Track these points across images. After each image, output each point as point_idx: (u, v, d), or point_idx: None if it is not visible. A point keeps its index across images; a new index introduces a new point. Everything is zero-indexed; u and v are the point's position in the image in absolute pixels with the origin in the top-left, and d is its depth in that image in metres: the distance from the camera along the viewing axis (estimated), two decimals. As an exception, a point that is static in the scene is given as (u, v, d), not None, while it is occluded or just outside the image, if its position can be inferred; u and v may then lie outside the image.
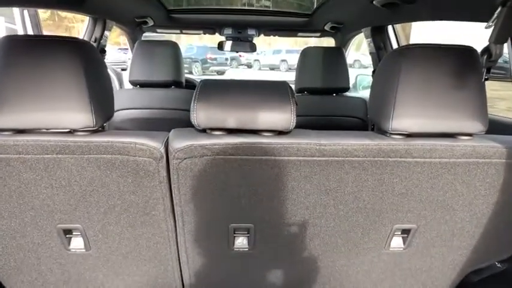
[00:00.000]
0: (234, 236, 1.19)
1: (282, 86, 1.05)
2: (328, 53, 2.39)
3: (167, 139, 1.02)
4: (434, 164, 1.04)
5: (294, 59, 20.56)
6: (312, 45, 2.45)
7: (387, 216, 1.14)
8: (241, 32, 2.96)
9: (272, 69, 19.90)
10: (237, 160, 1.01)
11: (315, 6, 2.57)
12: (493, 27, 0.84)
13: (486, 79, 0.93)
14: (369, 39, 2.46)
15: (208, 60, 17.68)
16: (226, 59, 18.70)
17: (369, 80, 3.08)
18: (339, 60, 2.38)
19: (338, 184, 1.06)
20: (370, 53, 2.50)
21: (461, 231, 1.20)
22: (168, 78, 2.32)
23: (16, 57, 0.94)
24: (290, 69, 20.12)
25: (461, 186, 1.09)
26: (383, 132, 1.06)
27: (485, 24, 0.89)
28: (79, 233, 1.14)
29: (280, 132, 1.03)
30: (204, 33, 2.98)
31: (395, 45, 2.44)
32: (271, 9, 2.81)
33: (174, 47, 2.37)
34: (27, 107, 0.94)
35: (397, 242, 1.24)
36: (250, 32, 2.96)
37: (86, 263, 1.22)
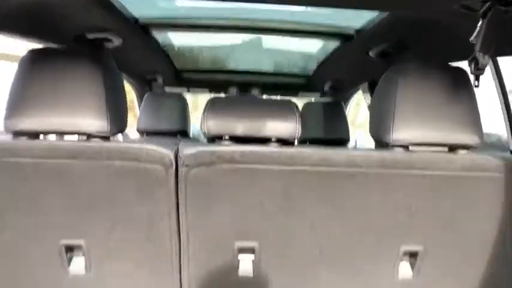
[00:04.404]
0: (238, 260, 1.16)
1: (287, 101, 1.12)
2: (328, 107, 2.53)
3: (178, 148, 1.05)
4: (436, 177, 1.06)
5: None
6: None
7: (393, 234, 1.13)
8: (246, 92, 3.13)
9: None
10: (244, 169, 1.03)
11: (315, 67, 2.77)
12: (477, 39, 0.93)
13: (477, 86, 1.00)
14: (366, 94, 2.60)
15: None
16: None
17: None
18: (339, 114, 2.50)
19: (342, 197, 1.07)
20: (368, 107, 2.63)
21: (470, 255, 1.18)
22: (174, 128, 2.43)
23: (37, 67, 1.03)
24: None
25: (464, 203, 1.10)
26: (384, 145, 1.10)
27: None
28: (81, 252, 1.12)
29: (286, 143, 1.07)
30: (210, 92, 3.16)
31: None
32: (273, 70, 3.01)
33: (181, 99, 2.51)
34: (43, 111, 1.00)
35: (405, 268, 1.20)
36: (254, 92, 3.14)
37: (85, 286, 1.17)
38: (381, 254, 1.17)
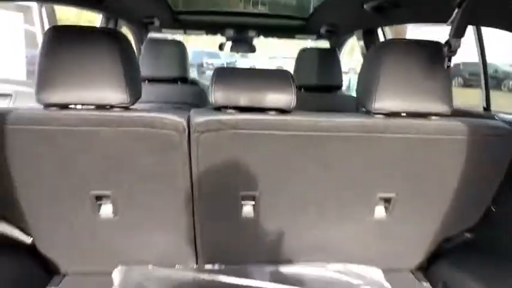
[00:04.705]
0: (242, 205, 1.38)
1: (284, 72, 1.26)
2: (323, 54, 2.61)
3: (189, 116, 1.21)
4: (410, 140, 1.24)
5: (289, 65, 20.89)
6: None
7: (371, 185, 1.35)
8: (242, 34, 3.16)
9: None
10: (246, 134, 1.20)
11: (311, 10, 2.80)
12: (451, 25, 1.06)
13: (448, 66, 1.14)
14: (360, 42, 2.68)
15: (204, 65, 17.90)
16: (222, 64, 18.98)
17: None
18: (333, 61, 2.60)
19: (329, 156, 1.27)
20: (362, 54, 2.72)
21: (434, 202, 1.41)
22: (175, 75, 2.52)
23: (61, 44, 1.14)
24: (274, 57, 20.41)
25: (432, 160, 1.30)
26: (368, 112, 1.27)
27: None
28: (109, 200, 1.33)
29: (283, 111, 1.23)
30: (207, 34, 3.19)
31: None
32: (269, 12, 3.02)
33: (180, 45, 2.57)
34: (71, 86, 1.14)
35: (380, 211, 1.44)
36: (250, 33, 3.17)
37: (113, 228, 1.40)
38: (361, 200, 1.39)
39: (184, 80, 2.58)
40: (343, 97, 2.71)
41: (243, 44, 3.32)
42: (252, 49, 3.37)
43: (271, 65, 19.93)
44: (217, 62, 18.25)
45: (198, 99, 2.49)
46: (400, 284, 1.51)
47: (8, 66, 2.19)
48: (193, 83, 3.12)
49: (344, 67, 3.00)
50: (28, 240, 1.39)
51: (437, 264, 1.56)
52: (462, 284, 1.41)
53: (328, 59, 2.60)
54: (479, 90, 1.71)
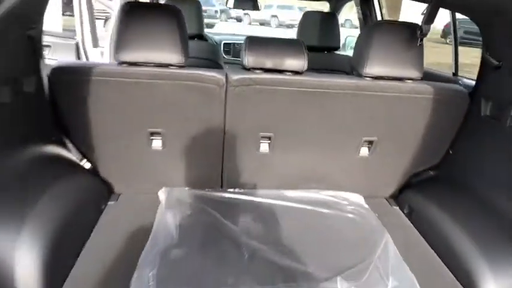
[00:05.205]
0: (260, 143, 1.82)
1: (299, 42, 1.65)
2: (324, 17, 2.95)
3: (226, 73, 1.60)
4: (390, 97, 1.66)
5: (285, 16, 20.66)
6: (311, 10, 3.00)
7: (358, 130, 1.79)
8: None
9: (262, 24, 19.97)
10: (268, 89, 1.61)
11: None
12: (424, 15, 1.45)
13: (420, 45, 1.55)
14: (358, 7, 3.01)
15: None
16: (216, 12, 18.67)
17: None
18: (332, 24, 2.94)
19: (329, 107, 1.69)
20: (358, 18, 3.06)
21: (405, 145, 1.86)
22: (193, 32, 2.85)
23: (133, 16, 1.50)
24: (281, 25, 20.26)
25: (406, 113, 1.73)
26: (359, 75, 1.67)
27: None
28: (160, 136, 1.75)
29: (296, 73, 1.63)
30: None
31: (378, 13, 3.00)
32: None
33: (196, 3, 2.87)
34: (140, 48, 1.51)
35: (364, 151, 1.89)
36: None
37: (160, 158, 1.83)
38: (350, 142, 1.84)
39: (200, 37, 2.91)
40: (339, 57, 3.09)
41: (247, 1, 3.60)
42: (255, 7, 3.65)
43: (267, 15, 19.75)
44: (211, 10, 18.03)
45: (214, 55, 2.84)
46: (376, 206, 1.99)
47: (46, 18, 2.50)
48: (205, 38, 3.43)
49: (340, 19, 3.32)
50: (90, 165, 1.82)
51: (406, 193, 2.05)
52: (423, 207, 1.89)
53: (329, 22, 2.94)
54: (471, 49, 2.09)
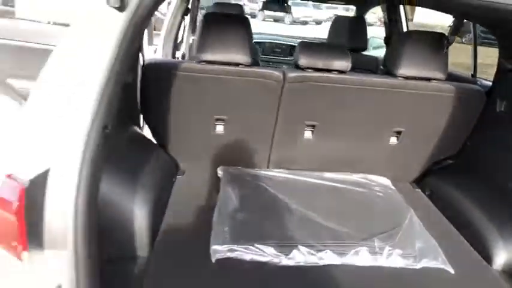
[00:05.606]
0: (305, 130, 2.15)
1: (343, 46, 1.98)
2: (353, 21, 3.28)
3: (284, 71, 1.93)
4: (418, 94, 1.99)
5: (299, 12, 20.84)
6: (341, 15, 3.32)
7: (389, 122, 2.11)
8: None
9: (276, 21, 20.15)
10: (317, 85, 1.94)
11: None
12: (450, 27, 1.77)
13: (446, 52, 1.87)
14: (384, 12, 3.33)
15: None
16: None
17: (379, 42, 3.96)
18: (361, 27, 3.27)
19: (366, 103, 2.02)
20: (384, 23, 3.38)
21: (428, 136, 2.18)
22: None
23: (212, 24, 1.84)
24: (295, 22, 20.47)
25: (431, 108, 2.05)
26: (393, 75, 1.99)
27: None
28: (223, 122, 2.09)
29: (341, 72, 1.96)
30: None
31: (403, 18, 3.31)
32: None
33: (239, 7, 3.21)
34: (216, 50, 1.85)
35: (393, 140, 2.22)
36: None
37: (220, 141, 2.18)
38: (381, 131, 2.17)
39: None
40: (365, 57, 3.41)
41: (276, 4, 3.96)
42: (283, 9, 3.99)
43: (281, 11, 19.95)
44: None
45: (254, 54, 3.18)
46: (401, 188, 2.32)
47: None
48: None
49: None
50: (164, 145, 2.17)
51: (427, 178, 2.37)
52: (443, 189, 2.21)
53: (358, 26, 3.26)
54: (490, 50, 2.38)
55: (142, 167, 1.66)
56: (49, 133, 0.97)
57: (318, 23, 19.83)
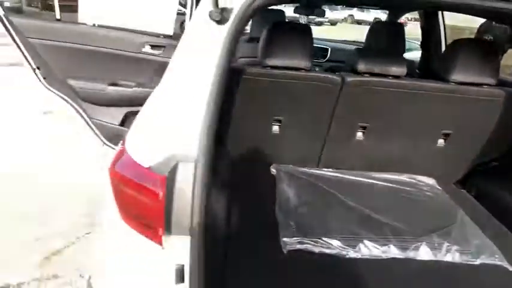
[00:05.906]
0: (357, 132, 2.26)
1: (399, 52, 2.08)
2: (392, 26, 3.36)
3: (342, 75, 2.04)
4: (468, 99, 2.07)
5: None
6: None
7: (439, 124, 2.21)
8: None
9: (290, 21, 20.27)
10: (373, 89, 2.04)
11: None
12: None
13: (501, 57, 1.96)
14: (422, 18, 3.42)
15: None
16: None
17: (412, 45, 4.04)
18: (399, 33, 3.35)
19: (419, 105, 2.11)
20: (421, 28, 3.47)
21: (475, 138, 2.27)
22: None
23: (272, 33, 1.97)
24: (310, 23, 20.49)
25: (479, 112, 2.14)
26: (446, 81, 2.08)
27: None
28: (279, 122, 2.21)
29: (396, 77, 2.05)
30: None
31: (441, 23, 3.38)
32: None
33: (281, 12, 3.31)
34: (280, 55, 1.96)
35: (441, 142, 2.31)
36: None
37: (275, 140, 2.29)
38: (430, 133, 2.26)
39: None
40: None
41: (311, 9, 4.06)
42: (318, 12, 4.08)
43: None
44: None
45: None
46: (447, 188, 2.41)
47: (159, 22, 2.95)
48: None
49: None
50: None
51: (472, 179, 2.46)
52: (489, 190, 2.30)
53: (396, 31, 3.34)
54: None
55: (218, 164, 1.79)
56: (175, 135, 1.11)
57: (333, 23, 19.88)
